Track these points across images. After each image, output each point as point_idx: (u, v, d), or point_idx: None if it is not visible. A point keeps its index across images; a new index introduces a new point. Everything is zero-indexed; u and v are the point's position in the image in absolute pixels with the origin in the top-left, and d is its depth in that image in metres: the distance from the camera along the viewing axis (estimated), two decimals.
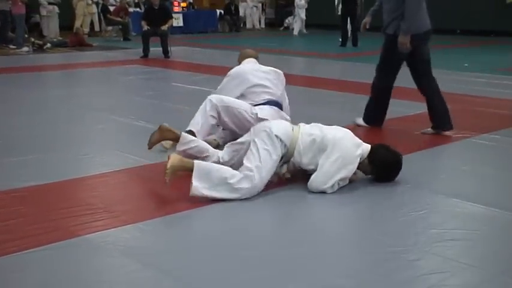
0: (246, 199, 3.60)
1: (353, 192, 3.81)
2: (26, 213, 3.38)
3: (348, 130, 4.03)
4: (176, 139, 4.31)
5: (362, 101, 6.67)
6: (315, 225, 3.30)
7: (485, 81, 8.98)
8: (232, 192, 3.61)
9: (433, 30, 5.44)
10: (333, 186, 3.75)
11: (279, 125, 3.97)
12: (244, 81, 5.03)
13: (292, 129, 3.90)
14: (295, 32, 19.86)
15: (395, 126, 5.86)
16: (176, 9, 19.47)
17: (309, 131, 3.91)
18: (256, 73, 5.11)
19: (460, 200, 3.65)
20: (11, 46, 14.25)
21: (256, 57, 5.55)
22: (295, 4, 19.79)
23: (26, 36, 14.95)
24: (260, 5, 24.42)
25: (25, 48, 13.78)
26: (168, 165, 3.62)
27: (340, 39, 15.36)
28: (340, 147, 3.78)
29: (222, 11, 22.34)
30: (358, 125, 5.83)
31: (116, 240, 3.05)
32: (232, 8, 22.52)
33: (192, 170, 3.62)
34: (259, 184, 3.65)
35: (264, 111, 4.78)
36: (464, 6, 18.33)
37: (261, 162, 3.67)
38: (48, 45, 14.68)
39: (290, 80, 8.90)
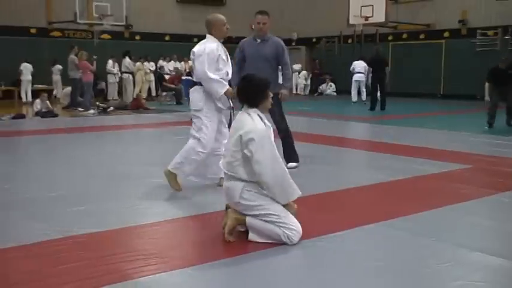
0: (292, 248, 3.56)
1: (376, 245, 3.71)
2: (84, 258, 3.38)
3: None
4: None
5: (386, 159, 6.63)
6: (336, 279, 3.21)
7: (507, 143, 8.79)
8: (278, 240, 3.63)
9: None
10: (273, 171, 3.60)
11: None
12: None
13: None
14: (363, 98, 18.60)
15: (419, 183, 5.76)
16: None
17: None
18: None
19: (483, 254, 3.50)
20: (80, 109, 14.68)
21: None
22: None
23: (93, 100, 15.42)
24: (297, 73, 24.77)
25: (91, 111, 14.16)
26: (227, 230, 3.66)
27: (370, 104, 15.39)
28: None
29: None
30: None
31: (166, 284, 3.02)
32: None
33: (244, 223, 3.70)
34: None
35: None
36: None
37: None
38: (111, 108, 15.05)
39: (317, 139, 8.98)
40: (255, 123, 3.68)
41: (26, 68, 17.69)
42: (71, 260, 3.33)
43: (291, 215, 3.71)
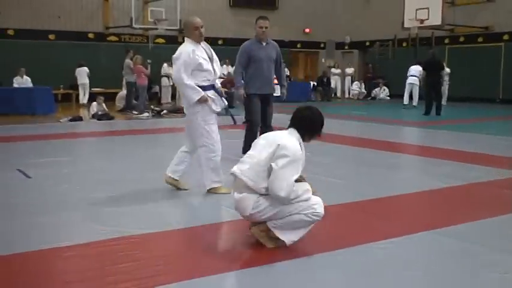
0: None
1: (429, 253, 3.67)
2: (139, 258, 3.48)
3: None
4: None
5: (440, 165, 6.50)
6: (385, 287, 3.19)
7: None
8: (309, 223, 3.63)
9: None
10: (289, 193, 3.49)
11: None
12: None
13: None
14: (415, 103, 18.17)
15: (473, 190, 5.64)
16: (275, 81, 19.84)
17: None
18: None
19: None
20: (134, 112, 15.03)
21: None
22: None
23: (147, 103, 15.76)
24: (350, 77, 24.61)
25: (145, 114, 14.47)
26: (264, 242, 3.67)
27: (425, 108, 15.11)
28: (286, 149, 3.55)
29: (316, 83, 22.62)
30: None
31: (218, 285, 3.07)
32: (325, 80, 22.80)
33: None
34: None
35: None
36: None
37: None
38: (165, 111, 15.33)
39: (371, 144, 8.89)
40: (296, 143, 3.65)
41: (82, 72, 18.24)
42: (126, 259, 3.44)
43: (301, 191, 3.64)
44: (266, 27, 6.94)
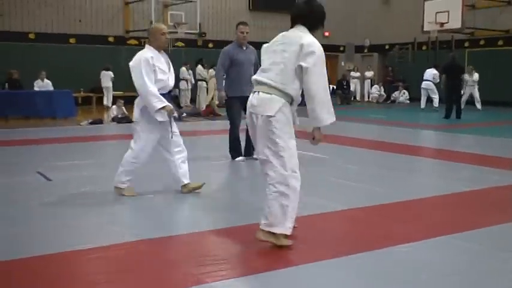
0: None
1: (452, 257, 3.64)
2: (159, 261, 3.50)
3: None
4: None
5: (460, 169, 6.44)
6: None
7: None
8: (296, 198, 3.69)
9: None
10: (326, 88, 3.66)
11: None
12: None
13: None
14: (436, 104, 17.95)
15: (495, 194, 5.58)
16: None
17: None
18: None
19: None
20: None
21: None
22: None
23: None
24: (369, 80, 24.51)
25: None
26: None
27: (445, 112, 14.99)
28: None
29: (335, 86, 22.57)
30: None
31: None
32: (344, 83, 22.77)
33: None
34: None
35: None
36: None
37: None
38: (184, 114, 15.41)
39: (391, 148, 8.85)
40: (314, 39, 3.70)
41: (107, 75, 18.41)
42: (146, 262, 3.46)
43: (295, 160, 3.71)
44: (247, 32, 7.39)
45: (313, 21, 3.82)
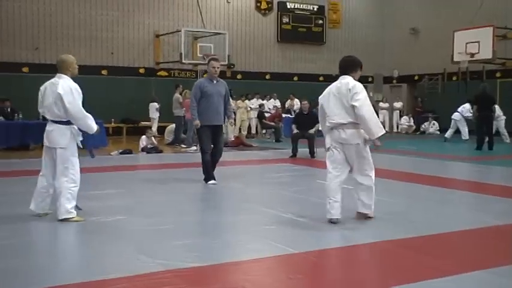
0: None
1: None
2: None
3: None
4: None
5: (492, 201, 6.29)
6: None
7: None
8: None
9: None
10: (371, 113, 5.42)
11: None
12: None
13: None
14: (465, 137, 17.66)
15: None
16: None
17: None
18: None
19: None
20: (182, 145, 15.23)
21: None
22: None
23: (195, 137, 15.91)
24: (398, 111, 24.33)
25: (193, 147, 14.59)
26: None
27: (476, 143, 14.75)
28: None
29: None
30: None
31: None
32: None
33: None
34: None
35: None
36: None
37: None
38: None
39: (422, 179, 8.71)
40: (356, 81, 5.45)
41: (152, 107, 18.66)
42: None
43: None
44: (218, 67, 8.20)
45: (353, 68, 5.61)
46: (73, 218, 5.48)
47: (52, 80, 5.62)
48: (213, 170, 8.33)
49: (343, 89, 5.36)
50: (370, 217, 5.56)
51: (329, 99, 5.45)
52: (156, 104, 18.67)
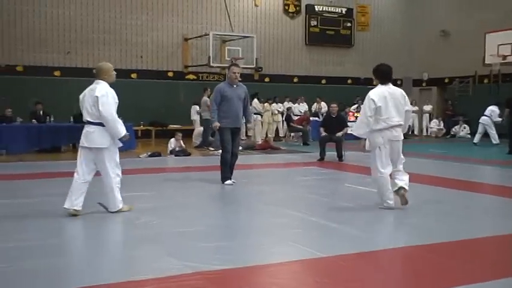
0: None
1: None
2: None
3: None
4: None
5: None
6: None
7: None
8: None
9: None
10: None
11: None
12: None
13: None
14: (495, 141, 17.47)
15: None
16: (351, 118, 19.74)
17: None
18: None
19: None
20: (210, 148, 15.31)
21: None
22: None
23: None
24: (428, 114, 24.06)
25: (221, 150, 14.69)
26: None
27: (508, 147, 14.50)
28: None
29: None
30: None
31: None
32: None
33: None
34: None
35: None
36: None
37: None
38: (240, 147, 15.49)
39: (452, 184, 8.59)
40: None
41: (193, 109, 18.75)
42: None
43: None
44: (238, 73, 8.60)
45: (392, 75, 6.56)
46: (124, 208, 6.07)
47: (91, 86, 6.09)
48: (231, 173, 8.60)
49: (397, 95, 6.39)
50: (406, 190, 6.38)
51: (387, 102, 6.26)
52: (197, 106, 18.78)
